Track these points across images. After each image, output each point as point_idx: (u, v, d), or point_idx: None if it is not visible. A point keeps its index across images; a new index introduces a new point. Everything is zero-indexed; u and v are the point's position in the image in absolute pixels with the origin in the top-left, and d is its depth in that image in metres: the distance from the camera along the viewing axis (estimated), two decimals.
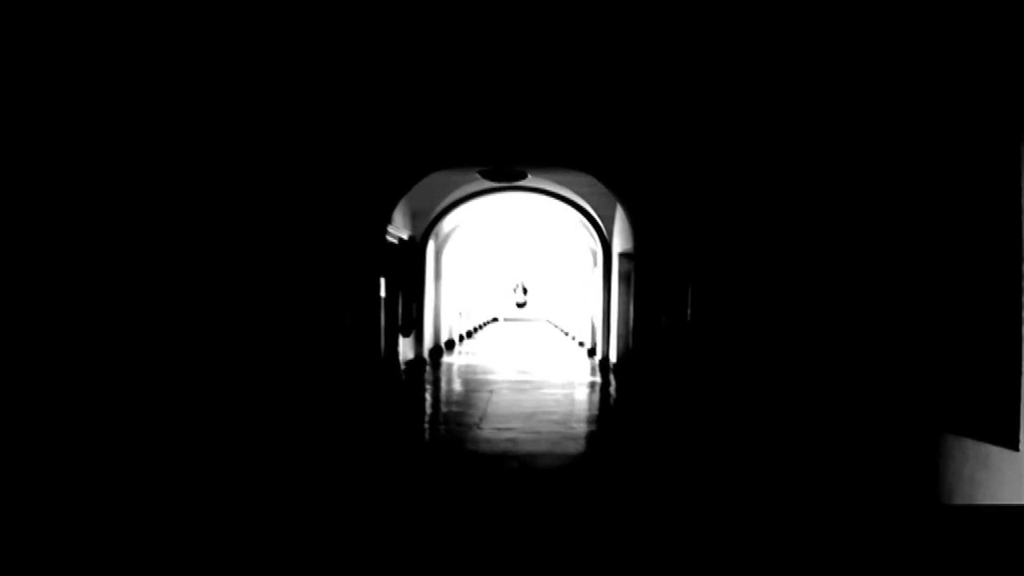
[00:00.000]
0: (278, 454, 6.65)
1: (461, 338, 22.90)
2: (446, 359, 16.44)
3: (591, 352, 18.17)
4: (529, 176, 9.95)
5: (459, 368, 14.61)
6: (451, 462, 6.58)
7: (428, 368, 14.32)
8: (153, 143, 6.61)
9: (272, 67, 7.72)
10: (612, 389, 11.92)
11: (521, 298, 41.83)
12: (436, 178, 12.78)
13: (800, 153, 6.61)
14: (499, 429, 7.92)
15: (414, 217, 14.06)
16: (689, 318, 8.92)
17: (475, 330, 27.80)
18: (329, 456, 6.62)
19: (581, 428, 8.22)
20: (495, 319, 38.86)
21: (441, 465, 6.47)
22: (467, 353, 18.31)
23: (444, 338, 18.49)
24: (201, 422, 7.13)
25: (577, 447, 7.24)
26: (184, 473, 5.87)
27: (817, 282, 6.13)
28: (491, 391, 10.94)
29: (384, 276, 11.76)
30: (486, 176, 10.65)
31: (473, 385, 11.89)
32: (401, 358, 13.05)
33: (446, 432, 7.97)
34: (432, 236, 15.10)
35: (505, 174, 10.07)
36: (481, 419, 8.54)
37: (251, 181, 8.45)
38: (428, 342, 15.90)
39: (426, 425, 8.53)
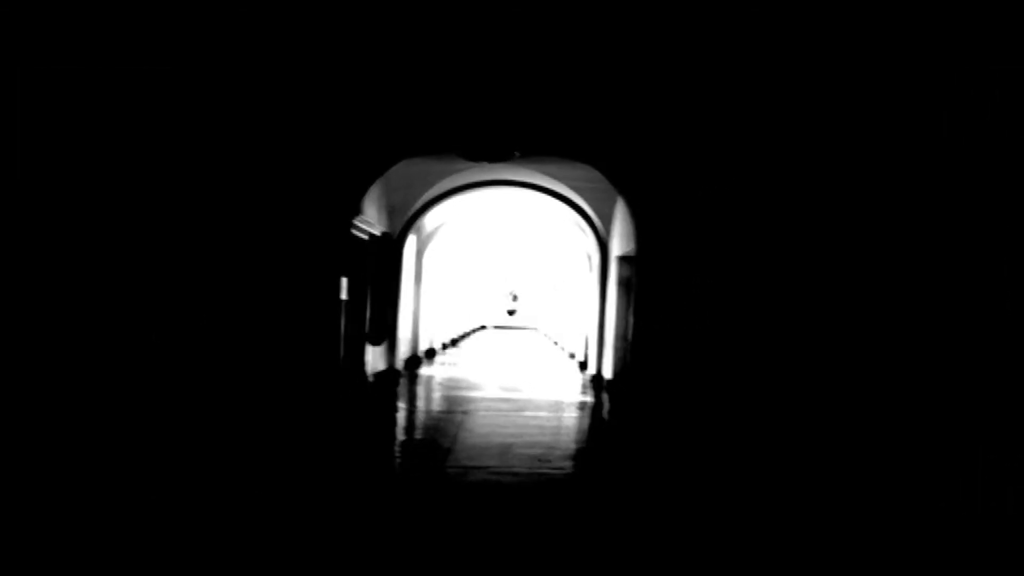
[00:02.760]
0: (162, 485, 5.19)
1: (444, 347, 21.43)
2: (424, 370, 14.95)
3: (582, 365, 16.74)
4: (517, 155, 8.46)
5: (437, 381, 13.13)
6: (389, 526, 5.10)
7: (402, 381, 12.83)
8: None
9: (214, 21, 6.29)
10: (605, 412, 10.46)
11: (511, 305, 40.39)
12: (416, 168, 11.37)
13: (828, 149, 5.24)
14: (466, 468, 6.45)
15: (392, 212, 12.60)
16: (698, 330, 7.49)
17: (460, 338, 26.33)
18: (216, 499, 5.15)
19: (567, 466, 6.75)
20: (483, 327, 37.39)
21: (370, 529, 5.00)
22: (448, 364, 16.82)
23: (424, 347, 17.01)
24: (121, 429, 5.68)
25: (561, 495, 5.77)
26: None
27: (853, 290, 4.75)
28: (466, 412, 9.46)
29: (348, 276, 10.28)
30: (465, 155, 9.05)
31: (448, 403, 10.42)
32: (370, 369, 11.57)
33: (400, 470, 6.50)
34: (412, 233, 13.64)
35: (488, 151, 8.51)
36: (448, 451, 7.08)
37: (185, 162, 6.98)
38: (404, 351, 14.42)
39: (373, 459, 7.04)
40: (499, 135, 7.80)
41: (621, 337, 11.99)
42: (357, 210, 9.91)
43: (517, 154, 8.36)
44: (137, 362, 6.11)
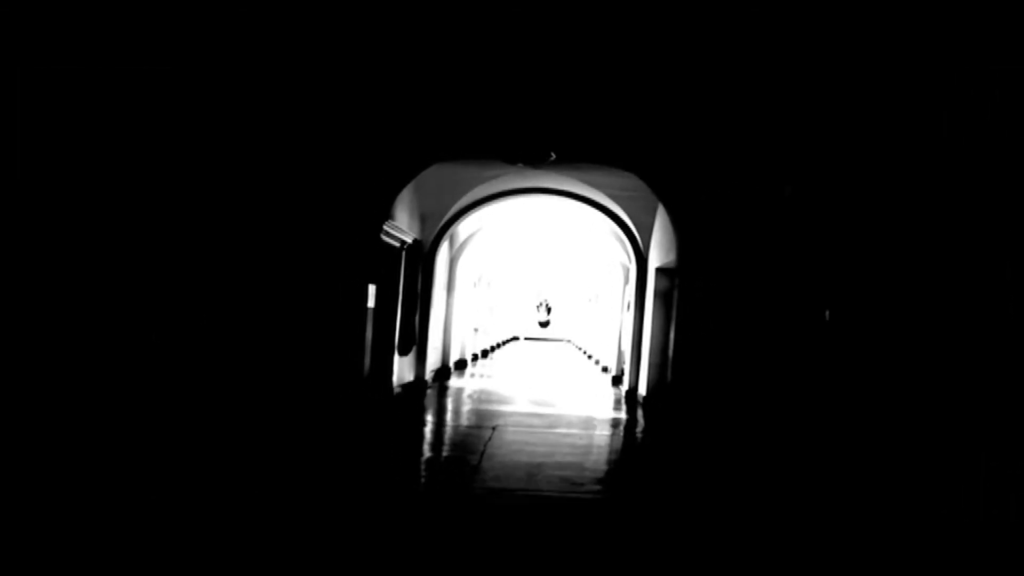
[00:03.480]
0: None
1: (475, 358, 21.06)
2: (454, 382, 14.59)
3: (616, 380, 16.26)
4: (553, 156, 8.04)
5: (466, 394, 12.76)
6: (404, 552, 4.72)
7: (430, 393, 12.48)
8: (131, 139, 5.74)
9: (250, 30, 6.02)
10: (640, 430, 10.01)
11: (544, 317, 39.94)
12: (449, 174, 11.05)
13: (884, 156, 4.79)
14: (492, 490, 6.05)
15: (425, 219, 12.28)
16: (745, 346, 7.03)
17: (491, 349, 25.93)
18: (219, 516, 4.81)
19: (600, 491, 6.33)
20: (515, 338, 36.96)
21: (385, 554, 4.62)
22: (479, 376, 16.45)
23: (454, 358, 16.65)
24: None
25: (593, 523, 5.35)
26: None
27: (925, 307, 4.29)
28: (495, 427, 9.07)
29: (377, 283, 9.97)
30: (501, 156, 8.58)
31: (476, 417, 10.04)
32: (396, 380, 11.23)
33: (423, 489, 6.13)
34: (444, 242, 13.30)
35: (526, 152, 8.05)
36: (475, 469, 6.70)
37: (218, 168, 6.71)
38: (433, 362, 14.07)
39: (393, 478, 6.67)
40: (537, 135, 7.42)
41: (658, 352, 11.53)
42: (388, 215, 9.60)
43: (553, 156, 7.96)
44: (139, 366, 5.82)
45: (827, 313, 5.83)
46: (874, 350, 5.16)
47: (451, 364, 16.04)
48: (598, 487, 6.39)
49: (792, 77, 6.22)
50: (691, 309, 7.31)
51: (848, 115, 5.78)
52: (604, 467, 7.36)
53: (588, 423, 10.03)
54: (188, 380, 6.45)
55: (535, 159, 8.32)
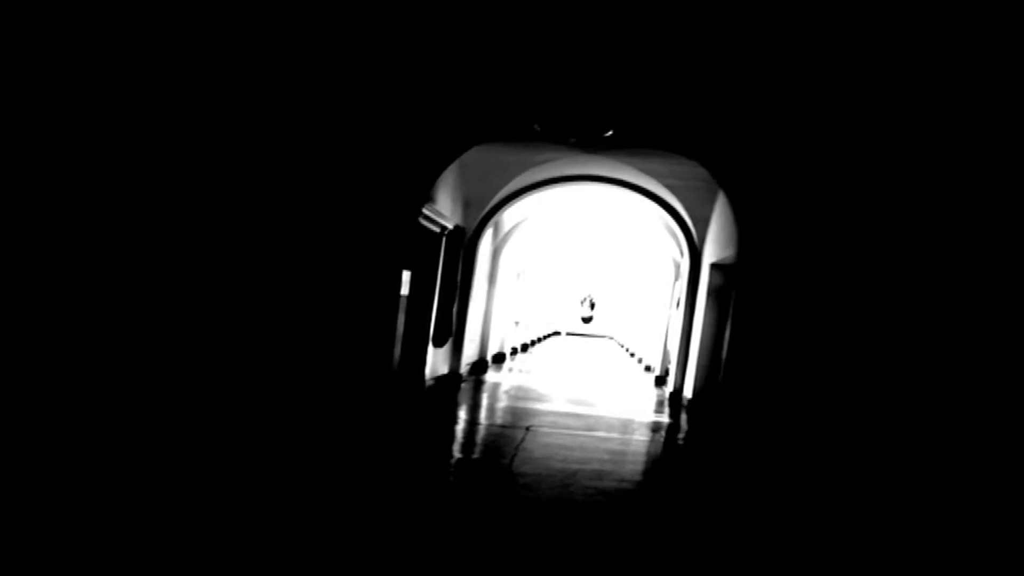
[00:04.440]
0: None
1: (514, 351, 20.51)
2: (490, 376, 14.04)
3: (659, 380, 15.58)
4: (610, 133, 7.36)
5: (503, 390, 12.19)
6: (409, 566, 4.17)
7: (464, 387, 11.94)
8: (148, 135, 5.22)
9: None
10: (683, 435, 9.35)
11: (587, 312, 39.21)
12: (494, 159, 10.49)
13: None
14: (520, 499, 5.47)
15: (468, 206, 11.73)
16: (811, 349, 6.34)
17: (531, 344, 25.36)
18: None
19: (639, 506, 5.70)
20: (556, 333, 36.31)
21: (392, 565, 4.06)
22: (517, 371, 15.88)
23: (492, 351, 16.12)
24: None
25: (631, 548, 4.74)
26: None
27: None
28: (529, 428, 8.48)
29: (412, 269, 9.46)
30: (549, 133, 7.82)
31: (511, 416, 9.46)
32: (430, 372, 10.71)
33: (455, 485, 5.55)
34: (488, 230, 12.74)
35: (576, 126, 7.32)
36: (504, 473, 6.13)
37: (244, 146, 6.21)
38: (470, 355, 13.54)
39: (416, 477, 6.12)
40: (592, 110, 6.76)
41: (707, 353, 10.84)
42: (427, 197, 9.06)
43: (611, 132, 7.28)
44: (150, 359, 5.35)
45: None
46: (968, 366, 4.46)
47: (489, 358, 15.51)
48: (639, 502, 5.76)
49: (883, 60, 5.50)
50: (750, 308, 6.63)
51: (947, 103, 5.06)
52: (646, 478, 6.72)
53: (629, 426, 9.39)
54: (195, 370, 5.99)
55: (590, 135, 7.63)
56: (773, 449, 6.66)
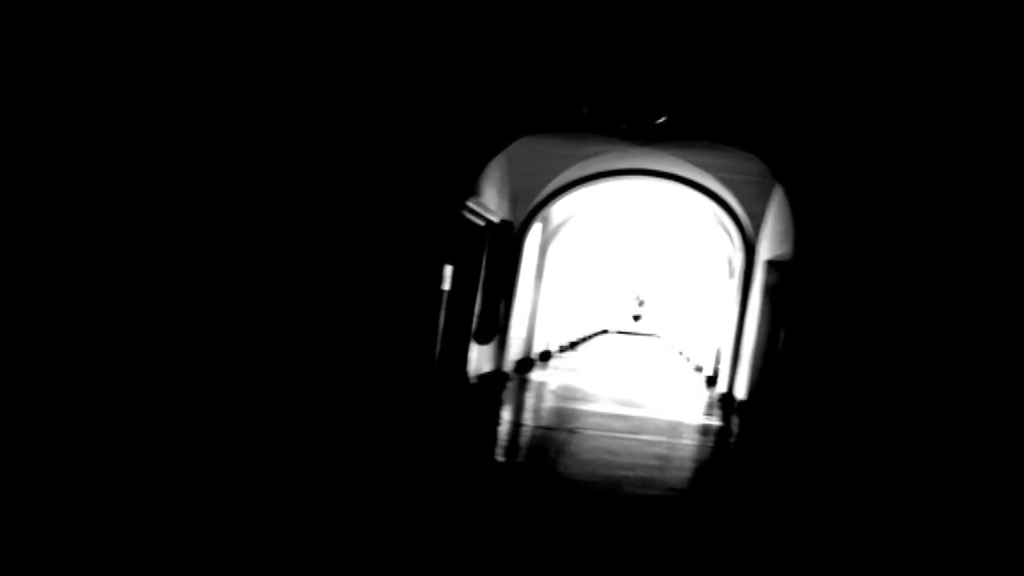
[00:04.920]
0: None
1: (562, 349, 20.22)
2: (536, 375, 13.78)
3: (710, 381, 15.16)
4: (664, 119, 6.99)
5: (548, 389, 11.93)
6: None
7: (509, 386, 11.70)
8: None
9: None
10: (734, 439, 8.99)
11: (636, 310, 38.69)
12: (543, 152, 10.25)
13: None
14: (561, 510, 5.19)
15: (515, 200, 11.48)
16: (873, 352, 5.95)
17: (579, 342, 25.02)
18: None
19: (688, 519, 5.39)
20: (605, 331, 35.88)
21: None
22: (563, 369, 15.59)
23: (538, 349, 15.86)
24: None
25: (676, 566, 4.44)
26: None
27: None
28: (573, 430, 8.20)
29: (455, 264, 9.24)
30: (597, 120, 7.43)
31: (555, 416, 9.19)
32: (473, 370, 10.49)
33: (498, 489, 5.30)
34: (535, 225, 12.48)
35: (628, 113, 6.92)
36: (548, 475, 5.86)
37: (282, 124, 6.04)
38: (515, 353, 13.30)
39: (454, 481, 5.88)
40: (642, 93, 6.42)
41: (761, 353, 10.42)
42: (472, 191, 8.83)
43: (664, 118, 6.91)
44: (190, 354, 5.22)
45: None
46: None
47: (535, 355, 15.26)
48: (688, 514, 5.45)
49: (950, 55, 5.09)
50: (808, 307, 6.25)
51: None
52: (695, 487, 6.39)
53: (678, 430, 9.05)
54: (238, 366, 5.85)
55: (641, 121, 7.26)
56: (831, 458, 6.29)
